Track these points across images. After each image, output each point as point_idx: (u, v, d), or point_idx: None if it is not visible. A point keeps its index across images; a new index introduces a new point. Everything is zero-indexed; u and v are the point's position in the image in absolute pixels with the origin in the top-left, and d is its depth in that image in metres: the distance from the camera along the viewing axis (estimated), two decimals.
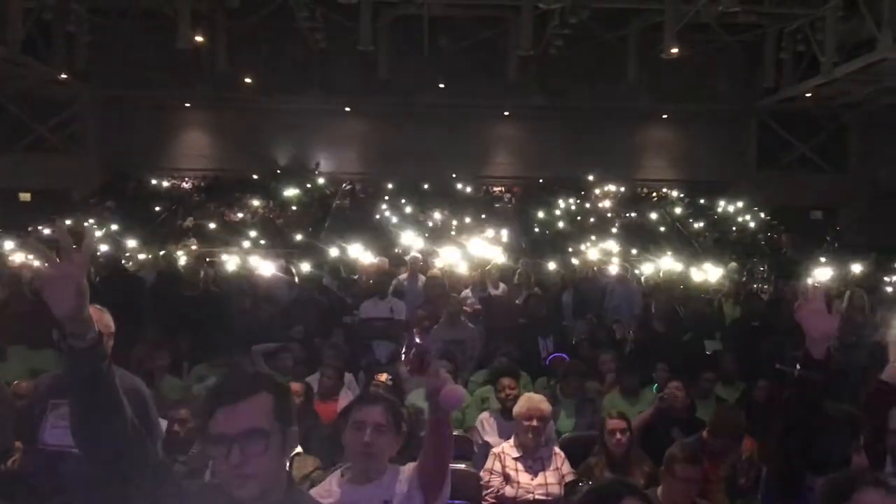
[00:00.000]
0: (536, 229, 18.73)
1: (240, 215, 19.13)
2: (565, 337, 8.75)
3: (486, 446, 5.47)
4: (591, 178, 21.62)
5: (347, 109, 22.06)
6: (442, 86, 21.03)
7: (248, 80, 20.79)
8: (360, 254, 12.31)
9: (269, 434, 1.93)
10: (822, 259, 14.57)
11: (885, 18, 14.70)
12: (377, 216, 18.50)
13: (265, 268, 10.58)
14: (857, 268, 13.27)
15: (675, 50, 17.07)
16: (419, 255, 11.05)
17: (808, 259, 14.78)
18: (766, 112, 21.94)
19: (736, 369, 7.50)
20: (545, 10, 16.79)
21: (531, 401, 5.01)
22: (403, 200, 19.73)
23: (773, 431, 3.11)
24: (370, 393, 3.67)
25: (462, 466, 5.33)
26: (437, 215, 18.96)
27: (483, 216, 18.74)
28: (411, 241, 13.96)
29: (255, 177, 20.97)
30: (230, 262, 12.80)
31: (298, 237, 16.89)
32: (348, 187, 21.35)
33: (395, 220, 18.12)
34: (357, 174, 22.07)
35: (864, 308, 9.30)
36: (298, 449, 4.59)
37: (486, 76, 20.62)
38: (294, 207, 19.75)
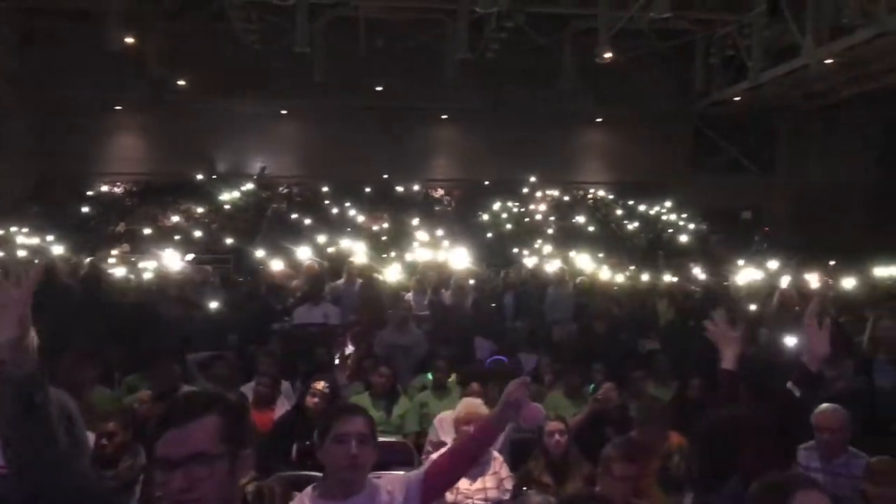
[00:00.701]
0: (478, 231, 18.81)
1: (175, 219, 18.75)
2: (507, 339, 8.81)
3: (440, 445, 5.45)
4: (530, 180, 21.84)
5: (284, 112, 21.84)
6: (380, 88, 20.99)
7: (182, 83, 20.40)
8: (298, 258, 12.18)
9: (215, 458, 1.87)
10: (752, 258, 14.98)
11: (808, 25, 15.22)
12: (315, 220, 18.34)
13: (182, 269, 10.39)
14: (784, 266, 13.68)
15: (609, 55, 17.36)
16: (356, 260, 10.99)
17: (738, 258, 15.22)
18: (697, 116, 22.50)
19: (669, 368, 7.64)
20: (482, 15, 16.91)
21: (469, 405, 5.02)
22: (344, 204, 19.61)
23: (706, 428, 3.20)
24: (348, 405, 3.61)
25: (401, 473, 5.31)
26: (376, 218, 18.88)
27: (424, 219, 18.75)
28: (350, 245, 13.88)
29: (191, 180, 20.58)
30: (153, 266, 12.50)
31: (231, 241, 16.65)
32: (285, 191, 21.12)
33: (333, 223, 17.99)
34: (294, 177, 21.85)
35: (794, 305, 9.57)
36: None
37: (424, 79, 20.64)
38: (229, 209, 19.45)
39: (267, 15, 17.74)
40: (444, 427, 5.68)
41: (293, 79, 19.97)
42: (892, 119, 22.11)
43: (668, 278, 12.73)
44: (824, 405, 4.84)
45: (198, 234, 17.45)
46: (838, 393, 6.05)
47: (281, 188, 21.19)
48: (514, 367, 7.00)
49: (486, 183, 21.69)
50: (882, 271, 13.66)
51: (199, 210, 19.26)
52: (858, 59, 16.44)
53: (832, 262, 14.51)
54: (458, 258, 11.60)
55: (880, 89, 18.71)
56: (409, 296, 9.74)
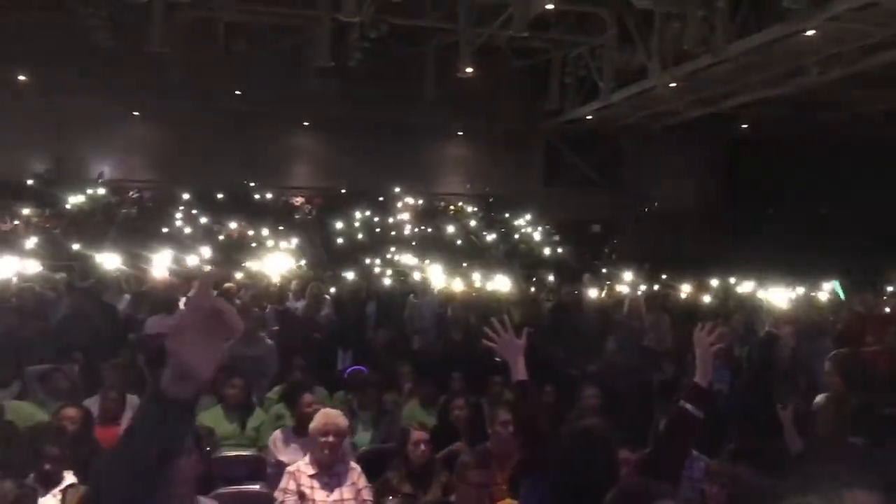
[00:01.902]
0: (339, 240, 18.68)
1: (14, 223, 17.50)
2: (368, 348, 8.76)
3: (280, 465, 5.32)
4: (392, 190, 21.91)
5: (136, 113, 20.86)
6: (239, 92, 20.46)
7: (22, 78, 19.09)
8: (150, 266, 11.63)
9: None
10: (602, 269, 15.65)
11: (654, 49, 16.13)
12: (168, 227, 17.61)
13: (22, 276, 9.73)
14: (630, 277, 14.35)
15: (469, 70, 17.70)
16: (211, 268, 10.63)
17: (588, 269, 15.88)
18: (551, 132, 23.32)
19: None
20: (345, 23, 16.83)
21: (327, 416, 4.95)
22: (196, 211, 18.94)
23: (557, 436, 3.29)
24: None
25: (256, 487, 5.17)
26: (232, 225, 18.36)
27: (282, 227, 18.41)
28: (205, 253, 13.42)
29: (28, 182, 19.25)
30: None
31: (77, 248, 15.70)
32: (136, 195, 20.17)
33: (188, 230, 17.34)
34: (146, 182, 20.91)
35: (642, 314, 10.07)
36: (72, 479, 4.24)
37: (284, 85, 20.29)
38: (73, 213, 18.35)
39: (119, 11, 16.91)
40: (279, 446, 5.55)
41: (147, 79, 19.12)
42: (731, 140, 23.77)
43: (522, 288, 13.07)
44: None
45: (36, 239, 16.33)
46: None
47: (132, 192, 20.22)
48: (372, 376, 6.97)
49: (347, 192, 21.57)
50: (720, 283, 14.63)
51: (39, 214, 18.06)
52: (699, 84, 17.59)
53: (665, 276, 15.36)
54: (317, 266, 11.45)
55: (720, 112, 20.09)
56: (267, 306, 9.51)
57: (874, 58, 14.93)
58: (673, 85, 17.39)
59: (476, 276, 14.29)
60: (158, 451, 1.41)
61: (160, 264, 11.42)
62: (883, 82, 17.48)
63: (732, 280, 15.65)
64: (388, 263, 15.92)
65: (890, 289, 14.77)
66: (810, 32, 13.58)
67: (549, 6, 15.48)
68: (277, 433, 5.66)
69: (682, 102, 19.53)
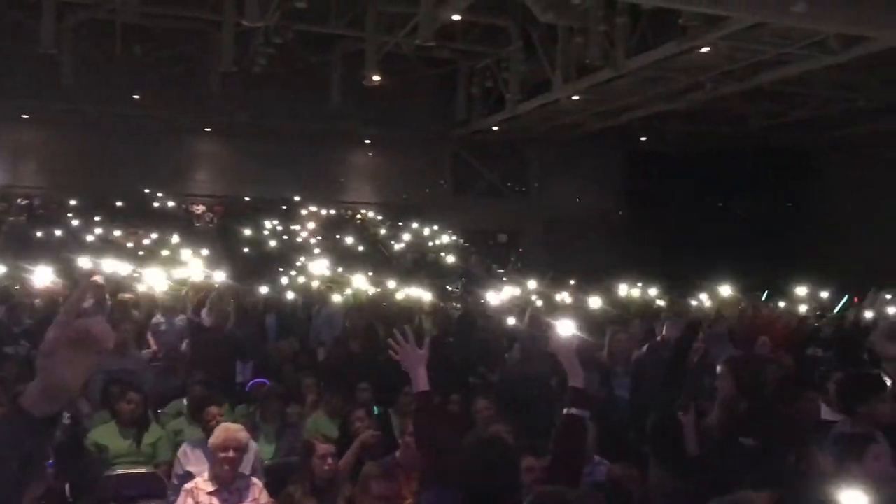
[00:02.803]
0: (245, 250, 18.26)
1: None
2: (269, 360, 8.56)
3: (188, 477, 5.13)
4: (297, 198, 21.60)
5: (25, 116, 19.90)
6: (137, 97, 19.79)
7: None
8: (39, 276, 11.04)
9: None
10: (506, 278, 15.82)
11: (558, 62, 16.46)
12: (59, 235, 16.84)
13: None
14: (535, 285, 14.55)
15: (376, 78, 17.64)
16: (103, 278, 10.17)
17: (494, 278, 16.05)
18: (459, 142, 23.51)
19: (432, 384, 7.79)
20: (249, 28, 16.52)
21: (228, 431, 4.79)
22: (90, 219, 18.19)
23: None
24: None
25: None
26: (126, 233, 17.70)
27: (183, 235, 17.86)
28: (99, 262, 12.83)
29: None
30: None
31: None
32: (25, 202, 19.22)
33: (81, 239, 16.61)
34: (36, 188, 19.97)
35: (544, 322, 10.18)
36: None
37: (186, 90, 19.76)
38: None
39: (8, 9, 16.11)
40: (190, 457, 5.37)
41: (38, 81, 18.26)
42: (632, 152, 24.51)
43: (431, 297, 13.07)
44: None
45: None
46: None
47: (20, 200, 19.25)
48: (275, 388, 6.80)
49: (251, 199, 21.16)
50: (623, 290, 14.95)
51: None
52: (601, 97, 18.06)
53: (573, 282, 15.65)
54: (219, 277, 11.11)
55: (621, 125, 20.69)
56: (159, 317, 9.16)
57: (764, 75, 15.67)
58: (576, 98, 17.80)
59: (384, 286, 14.20)
60: (19, 464, 1.36)
61: (46, 274, 10.84)
62: (771, 98, 18.39)
63: (633, 287, 16.04)
64: (293, 273, 15.64)
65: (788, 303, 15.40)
66: (705, 49, 14.14)
67: (456, 17, 15.60)
68: (186, 446, 5.46)
69: (585, 115, 20.01)
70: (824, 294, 14.27)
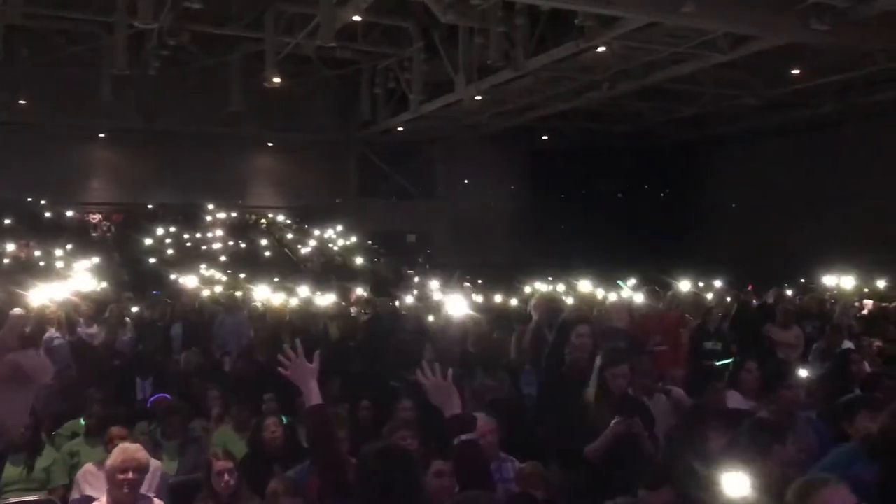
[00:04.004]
0: (140, 259, 17.66)
1: None
2: (171, 373, 8.27)
3: (87, 501, 4.90)
4: (199, 204, 21.06)
5: None
6: (24, 102, 18.86)
7: None
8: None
9: None
10: (416, 279, 15.84)
11: (460, 63, 16.57)
12: None
13: None
14: (442, 284, 14.62)
15: (277, 80, 17.36)
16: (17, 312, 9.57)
17: (403, 278, 16.05)
18: (364, 143, 23.38)
19: (341, 391, 7.72)
20: (142, 30, 15.97)
21: (126, 452, 4.59)
22: None
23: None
24: None
25: None
26: (10, 246, 16.85)
27: (77, 246, 17.16)
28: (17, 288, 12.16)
29: None
30: None
31: None
32: None
33: None
34: None
35: (452, 324, 10.21)
36: None
37: (77, 94, 18.96)
38: None
39: None
40: (90, 480, 5.14)
41: None
42: (535, 151, 24.90)
43: (338, 300, 12.95)
44: (478, 413, 5.17)
45: None
46: (495, 402, 6.55)
47: None
48: (174, 403, 6.58)
49: (150, 206, 20.50)
50: (531, 287, 15.16)
51: None
52: (502, 97, 18.29)
53: (480, 280, 15.82)
54: (115, 288, 10.72)
55: (524, 124, 21.01)
56: (52, 333, 8.71)
57: (657, 73, 16.20)
58: (478, 98, 17.97)
59: (291, 291, 13.98)
60: None
61: None
62: (664, 95, 19.02)
63: (539, 283, 16.32)
64: (197, 281, 15.23)
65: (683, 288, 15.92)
66: (601, 49, 14.52)
67: (356, 17, 15.51)
68: (89, 466, 5.20)
69: (488, 114, 20.23)
70: (717, 283, 14.83)
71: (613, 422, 4.68)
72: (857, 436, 4.08)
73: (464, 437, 3.12)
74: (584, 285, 12.72)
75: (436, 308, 11.39)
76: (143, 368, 7.60)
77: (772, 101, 18.76)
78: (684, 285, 12.71)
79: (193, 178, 20.79)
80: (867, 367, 7.41)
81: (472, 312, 7.43)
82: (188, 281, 14.70)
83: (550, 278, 15.96)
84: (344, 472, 3.27)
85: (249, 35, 18.00)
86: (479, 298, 13.52)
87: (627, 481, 3.83)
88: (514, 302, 14.11)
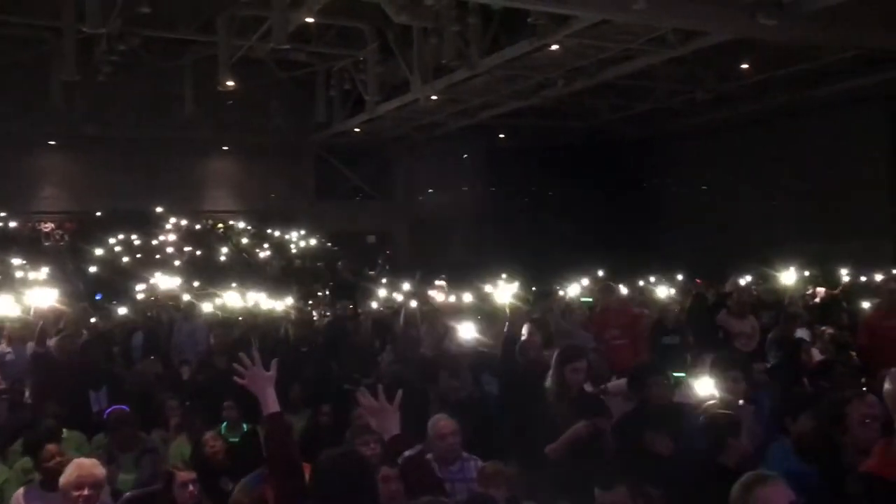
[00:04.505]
0: (94, 268, 17.33)
1: None
2: (126, 384, 8.12)
3: None
4: (153, 210, 20.75)
5: None
6: None
7: None
8: None
9: None
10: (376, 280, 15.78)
11: (415, 63, 16.55)
12: None
13: None
14: (406, 286, 14.59)
15: (231, 83, 17.17)
16: None
17: (364, 281, 15.99)
18: (321, 145, 23.25)
19: (301, 397, 7.67)
20: (91, 35, 15.66)
21: (81, 467, 4.49)
22: None
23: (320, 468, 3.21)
24: None
25: None
26: None
27: (28, 257, 16.76)
28: None
29: None
30: None
31: None
32: None
33: None
34: None
35: (417, 323, 10.16)
36: None
37: (27, 101, 18.56)
38: None
39: None
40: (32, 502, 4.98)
41: None
42: (493, 149, 24.96)
43: (298, 305, 12.89)
44: (438, 415, 5.18)
45: None
46: (457, 402, 6.56)
47: None
48: (127, 414, 6.45)
49: (104, 214, 20.13)
50: (489, 287, 15.18)
51: None
52: (459, 96, 18.32)
53: (442, 279, 15.80)
54: (70, 299, 10.50)
55: (480, 122, 21.06)
56: (4, 346, 8.51)
57: (610, 70, 16.36)
58: (434, 97, 17.97)
59: (250, 296, 13.86)
60: None
61: None
62: (618, 92, 19.22)
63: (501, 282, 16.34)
64: (154, 289, 15.01)
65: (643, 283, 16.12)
66: (554, 47, 14.62)
67: (309, 19, 15.40)
68: (20, 491, 5.06)
69: (445, 114, 20.25)
70: (679, 277, 15.05)
71: (579, 424, 4.73)
72: (794, 434, 4.14)
73: (407, 453, 3.11)
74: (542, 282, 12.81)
75: (398, 310, 11.37)
76: (92, 380, 7.42)
77: (723, 95, 19.06)
78: (645, 280, 12.94)
79: (147, 184, 20.47)
80: (818, 356, 7.59)
81: (480, 337, 7.38)
82: (155, 288, 14.50)
83: (504, 276, 16.01)
84: (301, 479, 3.25)
85: (202, 38, 17.76)
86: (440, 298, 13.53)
87: (587, 480, 3.86)
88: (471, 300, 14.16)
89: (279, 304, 13.20)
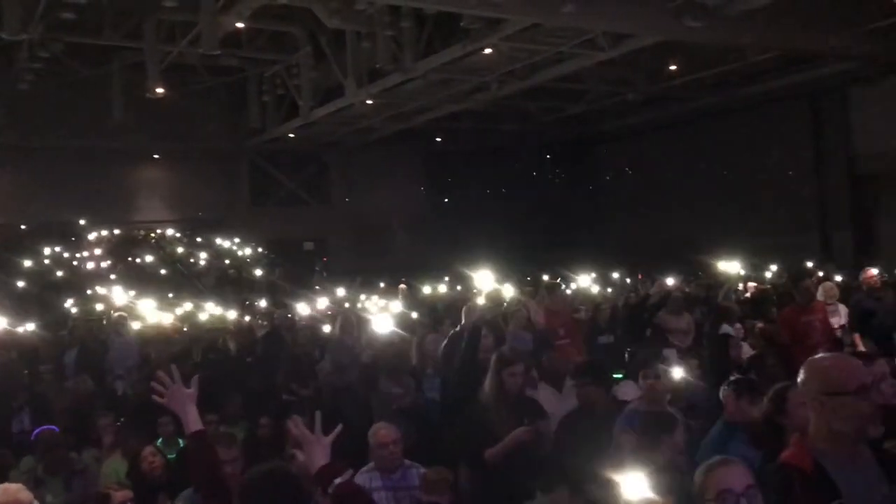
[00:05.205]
0: (20, 283, 16.73)
1: None
2: (44, 403, 7.82)
3: None
4: (82, 222, 20.17)
5: None
6: None
7: None
8: None
9: None
10: (316, 287, 15.63)
11: (349, 67, 16.46)
12: None
13: None
14: (343, 292, 14.50)
15: (160, 90, 16.81)
16: None
17: (302, 288, 15.82)
18: (255, 151, 22.93)
19: (239, 408, 7.54)
20: (10, 42, 15.14)
21: (6, 493, 4.31)
22: None
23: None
24: None
25: None
26: None
27: None
28: None
29: None
30: None
31: None
32: None
33: None
34: None
35: (354, 329, 10.08)
36: None
37: None
38: None
39: None
40: None
41: None
42: (430, 153, 24.98)
43: (235, 314, 12.66)
44: (378, 423, 5.14)
45: None
46: (400, 409, 6.53)
47: None
48: (54, 435, 6.22)
49: (29, 227, 19.48)
50: (432, 290, 15.19)
51: None
52: (394, 100, 18.28)
53: (383, 284, 15.77)
54: None
55: (416, 126, 21.05)
56: None
57: (542, 73, 16.54)
58: (369, 102, 17.90)
59: (186, 308, 13.58)
60: None
61: None
62: (550, 94, 19.42)
63: (443, 285, 16.37)
64: (84, 303, 14.59)
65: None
66: (488, 51, 14.71)
67: (240, 24, 15.18)
68: None
69: (381, 118, 20.18)
70: (615, 275, 15.28)
71: (519, 429, 4.75)
72: (734, 419, 4.25)
73: (338, 480, 3.06)
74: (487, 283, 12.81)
75: (336, 317, 11.25)
76: (12, 401, 7.16)
77: (653, 96, 19.45)
78: (582, 280, 13.09)
79: (75, 195, 19.87)
80: (748, 349, 7.78)
81: (397, 330, 7.33)
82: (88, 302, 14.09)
83: (447, 278, 16.06)
84: (228, 497, 3.19)
85: (129, 45, 17.33)
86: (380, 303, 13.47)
87: (529, 484, 3.88)
88: (415, 304, 14.15)
89: (217, 315, 12.95)
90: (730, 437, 4.10)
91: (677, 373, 5.22)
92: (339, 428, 3.18)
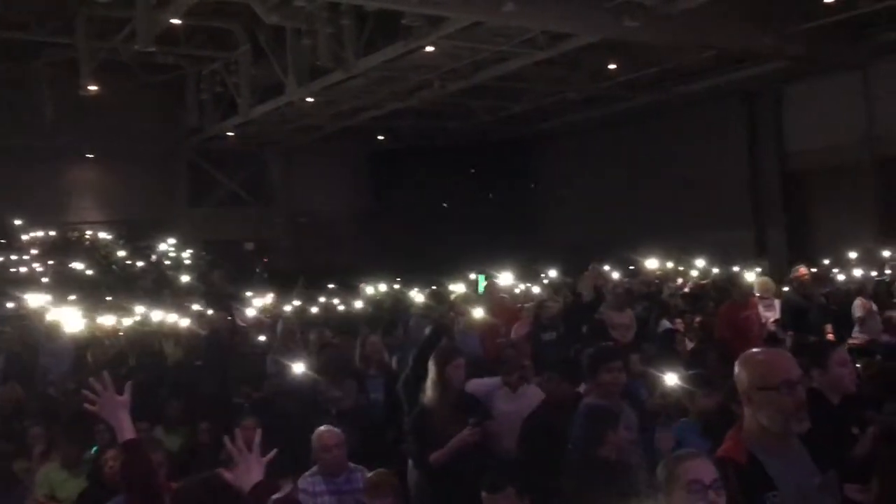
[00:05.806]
0: None
1: None
2: None
3: None
4: (12, 223, 19.50)
5: None
6: None
7: None
8: None
9: None
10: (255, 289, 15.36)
11: (290, 65, 16.22)
12: None
13: None
14: (287, 293, 14.30)
15: (93, 88, 16.35)
16: None
17: (241, 290, 15.58)
18: (193, 150, 22.47)
19: (179, 413, 7.38)
20: None
21: None
22: None
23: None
24: None
25: None
26: None
27: None
28: None
29: None
30: None
31: None
32: None
33: None
34: None
35: (295, 334, 9.93)
36: None
37: None
38: None
39: None
40: None
41: None
42: (373, 151, 24.81)
43: (174, 317, 12.36)
44: (321, 427, 5.06)
45: None
46: (342, 412, 6.46)
47: None
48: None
49: None
50: (373, 290, 15.09)
51: None
52: (335, 98, 18.11)
53: (331, 286, 15.62)
54: None
55: (359, 125, 20.89)
56: None
57: (484, 72, 16.58)
58: (310, 100, 17.69)
59: (123, 311, 13.20)
60: None
61: None
62: (493, 93, 19.48)
63: (387, 285, 16.26)
64: (15, 307, 14.08)
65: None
66: (429, 49, 14.67)
67: (176, 21, 14.83)
68: None
69: (322, 116, 19.98)
70: (553, 273, 15.37)
71: (465, 430, 4.73)
72: (696, 412, 4.31)
73: (275, 497, 3.00)
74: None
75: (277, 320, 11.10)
76: None
77: (593, 95, 19.65)
78: (522, 277, 13.16)
79: (5, 195, 19.19)
80: (690, 344, 7.92)
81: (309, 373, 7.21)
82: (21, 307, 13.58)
83: (399, 279, 15.98)
84: None
85: (59, 41, 16.81)
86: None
87: (476, 484, 3.86)
88: (358, 304, 14.06)
89: (155, 318, 12.63)
90: (683, 428, 4.16)
91: (671, 379, 5.25)
92: (273, 452, 3.09)
